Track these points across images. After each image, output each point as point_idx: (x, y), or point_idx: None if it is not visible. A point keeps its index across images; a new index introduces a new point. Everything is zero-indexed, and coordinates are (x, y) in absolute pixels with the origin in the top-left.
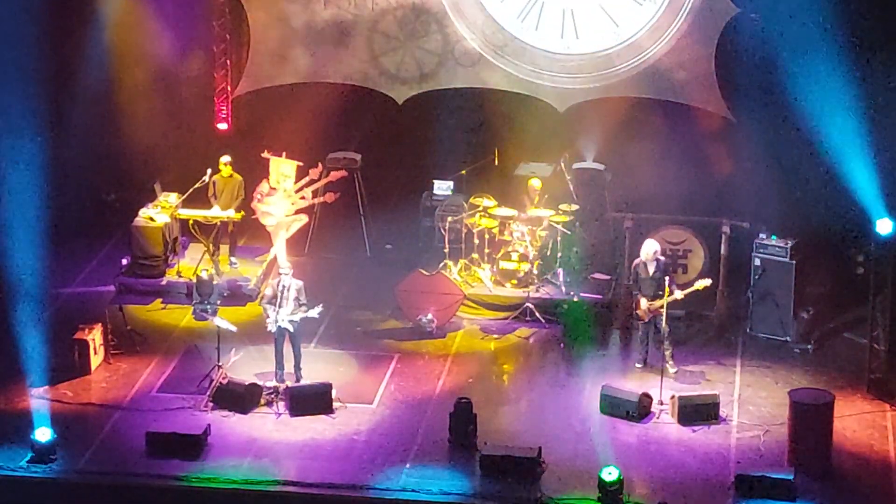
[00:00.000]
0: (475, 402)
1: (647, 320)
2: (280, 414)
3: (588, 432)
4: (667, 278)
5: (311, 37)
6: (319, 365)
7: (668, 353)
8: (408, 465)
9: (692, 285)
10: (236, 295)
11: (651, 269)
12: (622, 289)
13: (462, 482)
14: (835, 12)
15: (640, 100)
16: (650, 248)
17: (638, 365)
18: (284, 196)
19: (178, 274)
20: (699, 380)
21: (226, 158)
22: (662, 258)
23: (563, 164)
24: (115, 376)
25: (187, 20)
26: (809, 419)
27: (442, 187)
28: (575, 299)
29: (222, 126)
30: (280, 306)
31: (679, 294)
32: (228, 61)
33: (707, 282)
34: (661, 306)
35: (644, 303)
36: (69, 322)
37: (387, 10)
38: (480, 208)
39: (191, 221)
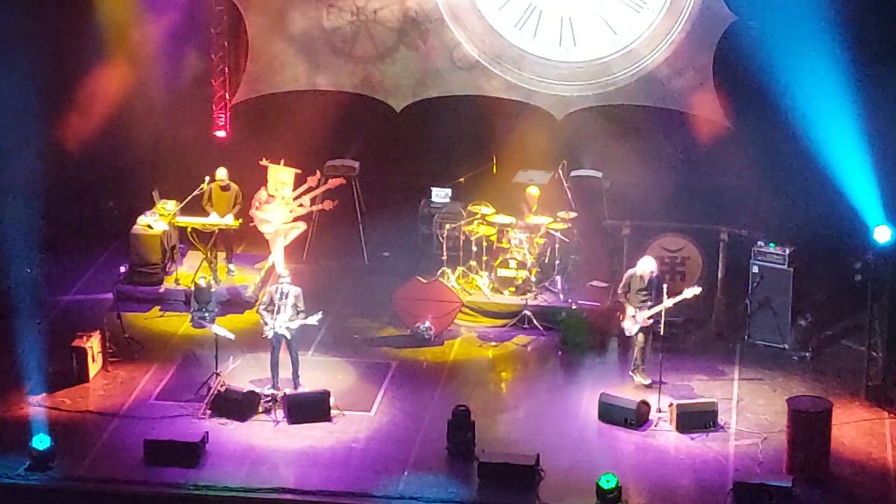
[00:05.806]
0: (473, 410)
1: (633, 332)
2: (278, 422)
3: (586, 440)
4: (664, 286)
5: (310, 44)
6: (317, 372)
7: (642, 363)
8: (406, 473)
9: (681, 293)
10: (234, 302)
11: (645, 282)
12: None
13: (460, 490)
14: (833, 19)
15: (637, 107)
16: (648, 266)
17: (646, 382)
18: (282, 203)
19: (177, 281)
20: (697, 387)
21: (222, 173)
22: (657, 277)
23: (560, 172)
24: (113, 384)
25: (185, 27)
26: (808, 426)
27: (440, 195)
28: (573, 307)
29: (220, 133)
30: (278, 313)
31: (668, 303)
32: (226, 69)
33: (697, 290)
34: (649, 317)
35: (630, 311)
36: (67, 330)
37: (385, 19)
38: (478, 216)
39: (189, 229)
